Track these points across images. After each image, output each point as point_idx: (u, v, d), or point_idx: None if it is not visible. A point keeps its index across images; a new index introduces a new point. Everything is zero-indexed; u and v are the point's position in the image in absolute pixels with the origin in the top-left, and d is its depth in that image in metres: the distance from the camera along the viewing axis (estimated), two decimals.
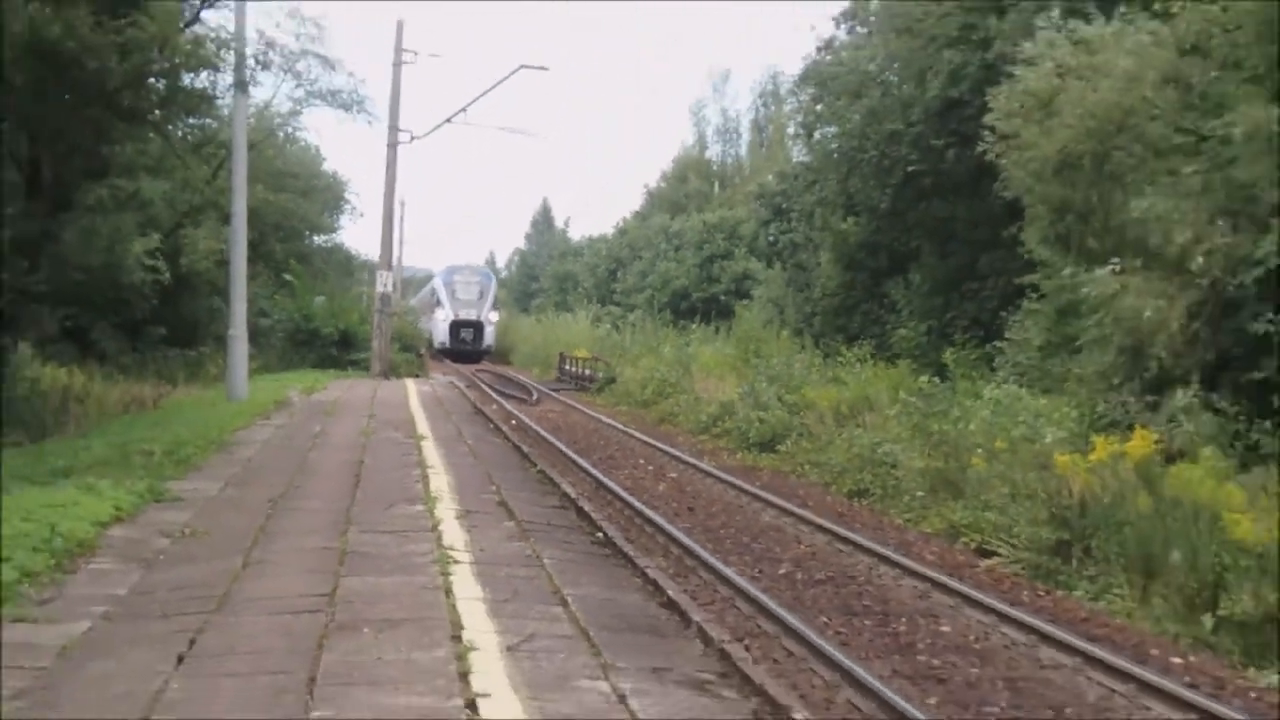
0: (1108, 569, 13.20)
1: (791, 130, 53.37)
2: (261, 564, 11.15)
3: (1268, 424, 15.19)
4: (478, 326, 66.78)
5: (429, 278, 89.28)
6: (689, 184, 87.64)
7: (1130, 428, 14.84)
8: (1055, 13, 25.33)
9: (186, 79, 26.10)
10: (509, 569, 11.22)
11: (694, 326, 53.03)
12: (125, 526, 12.84)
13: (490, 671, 7.82)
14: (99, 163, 24.41)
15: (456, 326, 66.21)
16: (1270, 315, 15.66)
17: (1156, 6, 21.33)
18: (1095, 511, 13.78)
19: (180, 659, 8.01)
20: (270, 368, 41.07)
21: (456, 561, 11.24)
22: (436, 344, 65.34)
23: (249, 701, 7.13)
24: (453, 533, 12.76)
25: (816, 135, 42.65)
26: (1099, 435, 15.09)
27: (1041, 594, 13.16)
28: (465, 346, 65.29)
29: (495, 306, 71.05)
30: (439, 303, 67.96)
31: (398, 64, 44.68)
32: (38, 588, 9.93)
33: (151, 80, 22.98)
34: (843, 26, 42.98)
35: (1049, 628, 11.13)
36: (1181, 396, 16.40)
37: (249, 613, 9.33)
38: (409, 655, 8.11)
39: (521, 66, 43.54)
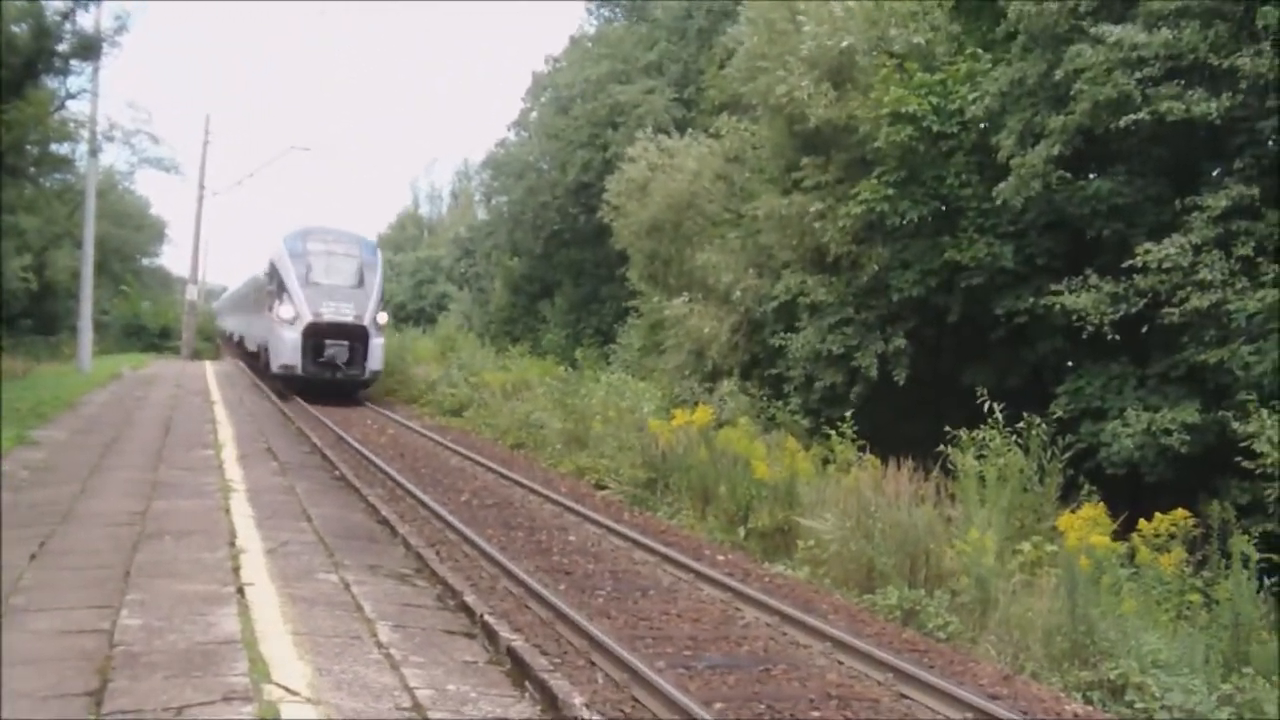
0: (680, 497, 13.32)
1: (477, 198, 53.04)
2: (95, 490, 10.70)
3: (779, 403, 15.81)
4: (359, 336, 24.51)
5: (224, 290, 51.35)
6: (407, 231, 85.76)
7: (695, 404, 15.08)
8: (649, 129, 25.99)
9: (54, 146, 27.88)
10: (271, 495, 10.88)
11: (410, 329, 51.66)
12: None
13: (255, 567, 7.65)
14: None
15: (318, 335, 24.07)
16: (781, 333, 16.29)
17: (711, 130, 22.01)
18: (673, 459, 13.85)
19: (33, 556, 7.71)
20: (110, 351, 39.51)
21: (235, 490, 10.89)
22: (277, 366, 24.56)
23: (83, 587, 6.89)
24: (233, 469, 12.38)
25: (493, 201, 42.79)
26: (676, 408, 15.25)
27: (637, 514, 13.10)
28: (336, 374, 24.42)
29: (383, 301, 27.67)
30: (280, 293, 24.74)
31: (205, 143, 46.26)
32: None
33: (29, 146, 22.70)
34: (512, 130, 43.21)
35: (640, 537, 11.05)
36: (727, 384, 16.92)
37: (84, 525, 8.96)
38: (198, 555, 7.86)
39: (291, 148, 38.66)
